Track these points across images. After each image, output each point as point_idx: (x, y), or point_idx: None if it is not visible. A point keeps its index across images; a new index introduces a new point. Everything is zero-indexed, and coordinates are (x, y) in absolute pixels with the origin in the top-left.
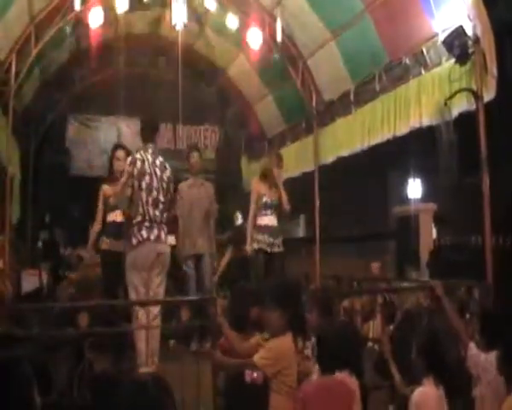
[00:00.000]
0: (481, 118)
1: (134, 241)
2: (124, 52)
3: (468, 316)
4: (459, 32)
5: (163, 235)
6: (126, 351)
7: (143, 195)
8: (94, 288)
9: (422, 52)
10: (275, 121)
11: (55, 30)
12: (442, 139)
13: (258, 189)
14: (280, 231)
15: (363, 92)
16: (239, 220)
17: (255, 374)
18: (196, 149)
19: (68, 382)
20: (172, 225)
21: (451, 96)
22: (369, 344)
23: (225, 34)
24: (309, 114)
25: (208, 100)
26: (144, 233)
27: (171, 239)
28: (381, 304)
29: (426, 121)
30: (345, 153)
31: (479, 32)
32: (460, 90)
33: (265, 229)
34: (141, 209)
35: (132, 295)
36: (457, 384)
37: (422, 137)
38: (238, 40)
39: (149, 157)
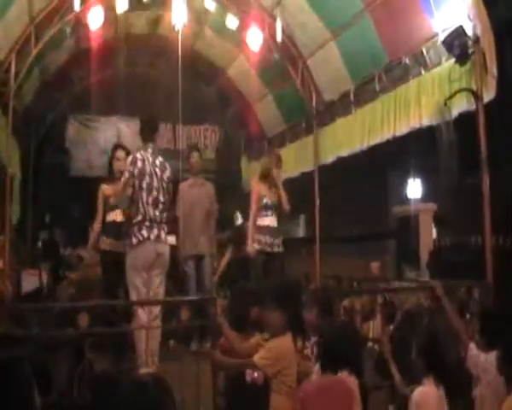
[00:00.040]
0: (481, 118)
1: (134, 240)
2: (123, 52)
3: (468, 316)
4: (459, 32)
5: (163, 235)
6: (126, 351)
7: (144, 194)
8: (94, 288)
9: (422, 52)
10: (275, 121)
11: (54, 30)
12: (442, 139)
13: (258, 190)
14: (280, 231)
15: (363, 92)
16: (239, 220)
17: (256, 374)
18: (196, 149)
19: (68, 382)
20: (172, 225)
21: (451, 97)
22: (369, 344)
23: (225, 34)
24: (309, 113)
25: (208, 100)
26: (144, 233)
27: (172, 239)
28: (381, 304)
29: (426, 121)
30: (345, 153)
31: (479, 32)
32: (460, 90)
33: (266, 230)
34: (141, 209)
35: (133, 296)
36: (457, 384)
37: (422, 138)
38: (238, 40)
39: (149, 157)
